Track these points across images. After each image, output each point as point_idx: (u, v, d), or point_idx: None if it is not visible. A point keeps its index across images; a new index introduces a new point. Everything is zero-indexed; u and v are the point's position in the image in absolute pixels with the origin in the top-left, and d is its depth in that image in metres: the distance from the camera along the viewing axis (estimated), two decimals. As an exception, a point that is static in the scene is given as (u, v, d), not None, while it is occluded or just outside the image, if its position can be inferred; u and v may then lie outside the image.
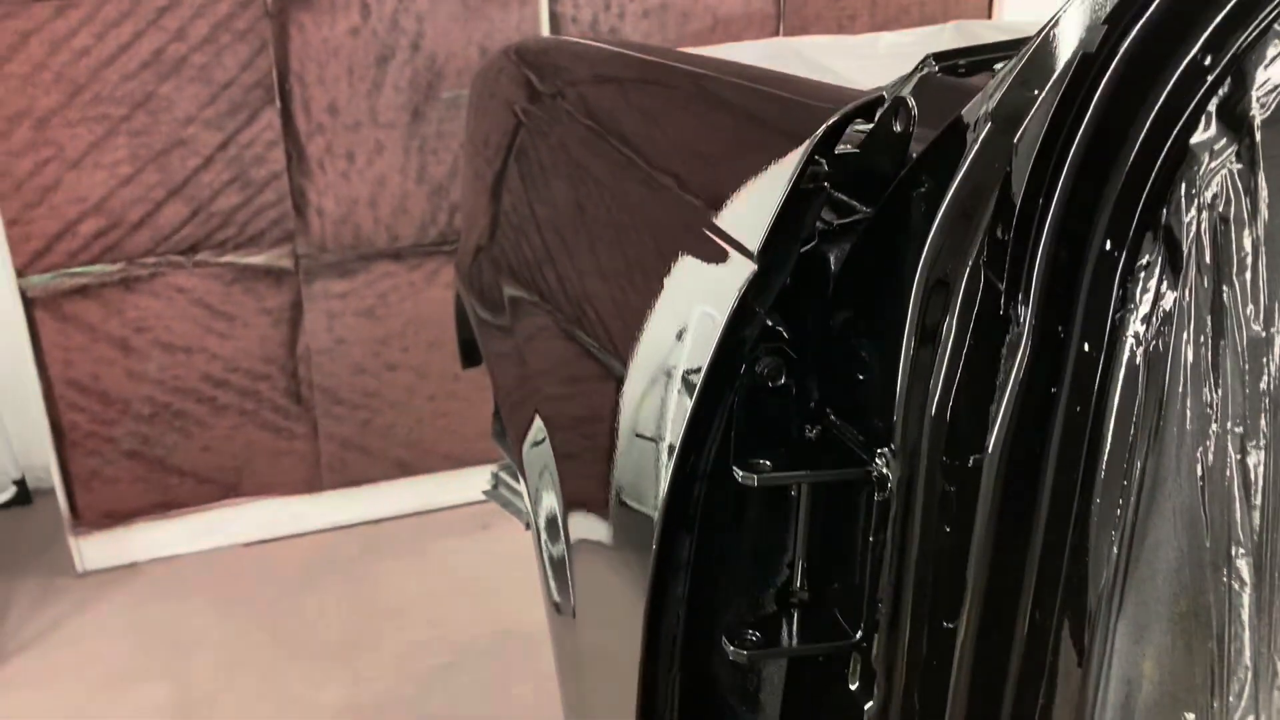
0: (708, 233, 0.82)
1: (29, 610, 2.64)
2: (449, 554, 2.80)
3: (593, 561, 1.03)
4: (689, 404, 0.78)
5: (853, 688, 0.78)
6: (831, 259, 0.79)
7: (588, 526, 1.02)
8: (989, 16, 3.04)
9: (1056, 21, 0.59)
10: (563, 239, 1.18)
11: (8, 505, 3.00)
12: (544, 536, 1.16)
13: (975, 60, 0.99)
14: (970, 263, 0.65)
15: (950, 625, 0.70)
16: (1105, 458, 0.63)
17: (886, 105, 0.72)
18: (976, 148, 0.64)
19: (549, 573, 1.16)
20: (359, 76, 2.60)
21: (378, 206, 2.71)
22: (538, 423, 1.17)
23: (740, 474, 0.76)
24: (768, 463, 0.76)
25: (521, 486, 1.29)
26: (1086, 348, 0.63)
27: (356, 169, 2.66)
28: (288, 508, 2.88)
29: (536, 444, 1.16)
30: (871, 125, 0.74)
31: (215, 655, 2.48)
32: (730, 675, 0.85)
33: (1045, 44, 0.60)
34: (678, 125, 1.02)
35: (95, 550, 2.76)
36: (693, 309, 0.84)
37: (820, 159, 0.73)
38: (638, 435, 0.89)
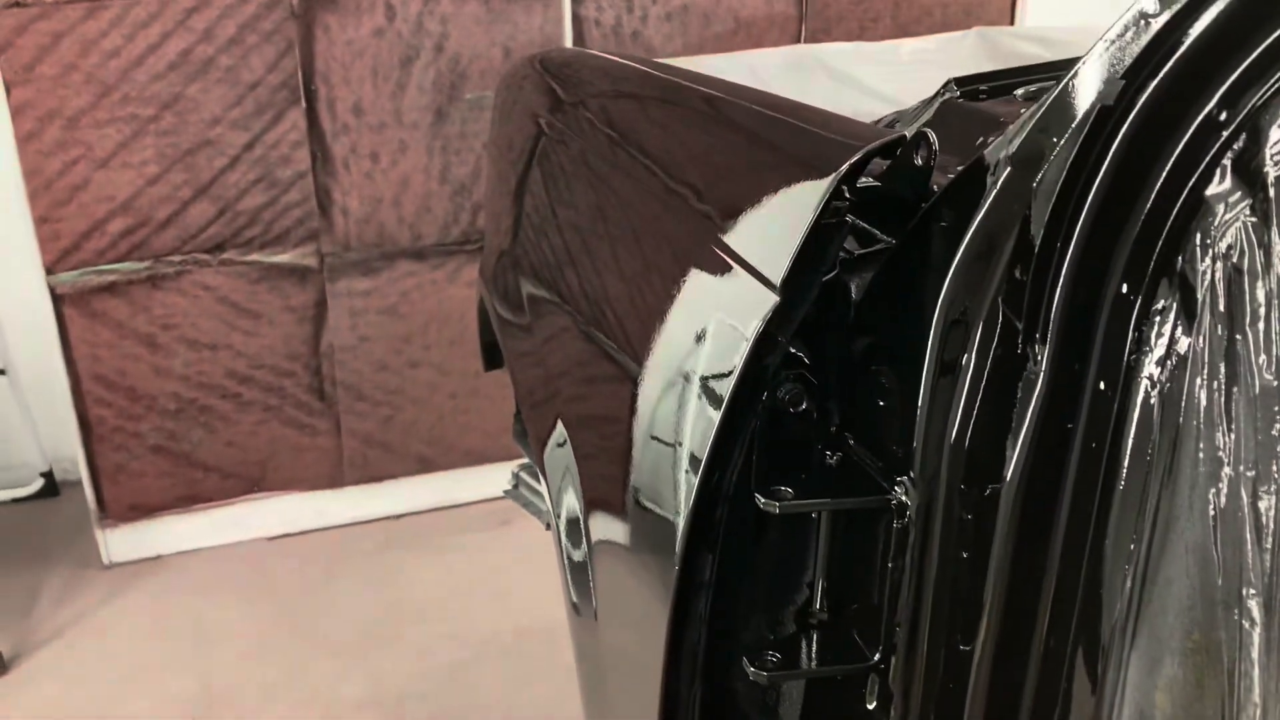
0: (728, 258, 0.83)
1: (56, 601, 2.68)
2: (469, 549, 2.83)
3: (614, 565, 1.04)
4: (710, 413, 0.79)
5: (870, 707, 0.80)
6: (853, 287, 0.80)
7: (608, 528, 1.03)
8: (1011, 20, 3.03)
9: (1076, 73, 0.60)
10: (584, 244, 1.19)
11: (36, 497, 3.05)
12: (564, 538, 1.17)
13: (996, 85, 1.00)
14: (989, 300, 0.66)
15: (967, 649, 0.71)
16: (1120, 493, 0.65)
17: (908, 139, 0.74)
18: (997, 190, 0.65)
19: (569, 574, 1.17)
20: (383, 77, 2.62)
21: (401, 206, 2.73)
22: (560, 425, 1.18)
23: (762, 501, 0.78)
24: (789, 490, 0.78)
25: (542, 487, 1.30)
26: (1102, 386, 0.64)
27: (380, 169, 2.68)
28: (310, 503, 2.91)
29: (559, 446, 1.18)
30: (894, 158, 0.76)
31: (238, 648, 2.52)
32: (750, 691, 0.87)
33: (1065, 94, 0.61)
34: (701, 148, 1.03)
35: (121, 543, 2.80)
36: (711, 317, 0.85)
37: (843, 187, 0.74)
38: (653, 438, 0.90)
